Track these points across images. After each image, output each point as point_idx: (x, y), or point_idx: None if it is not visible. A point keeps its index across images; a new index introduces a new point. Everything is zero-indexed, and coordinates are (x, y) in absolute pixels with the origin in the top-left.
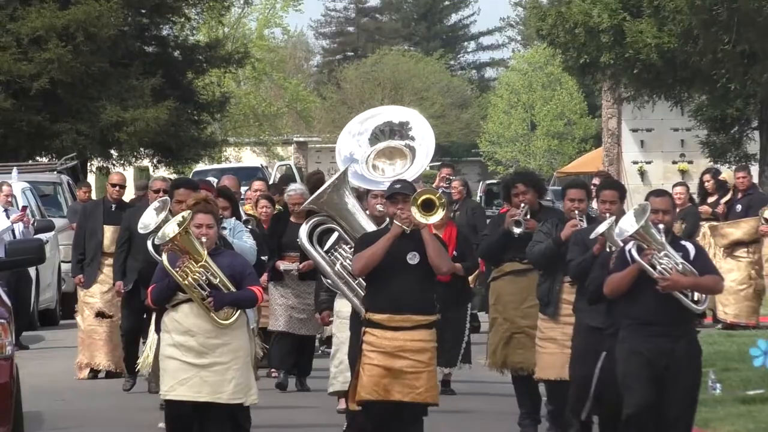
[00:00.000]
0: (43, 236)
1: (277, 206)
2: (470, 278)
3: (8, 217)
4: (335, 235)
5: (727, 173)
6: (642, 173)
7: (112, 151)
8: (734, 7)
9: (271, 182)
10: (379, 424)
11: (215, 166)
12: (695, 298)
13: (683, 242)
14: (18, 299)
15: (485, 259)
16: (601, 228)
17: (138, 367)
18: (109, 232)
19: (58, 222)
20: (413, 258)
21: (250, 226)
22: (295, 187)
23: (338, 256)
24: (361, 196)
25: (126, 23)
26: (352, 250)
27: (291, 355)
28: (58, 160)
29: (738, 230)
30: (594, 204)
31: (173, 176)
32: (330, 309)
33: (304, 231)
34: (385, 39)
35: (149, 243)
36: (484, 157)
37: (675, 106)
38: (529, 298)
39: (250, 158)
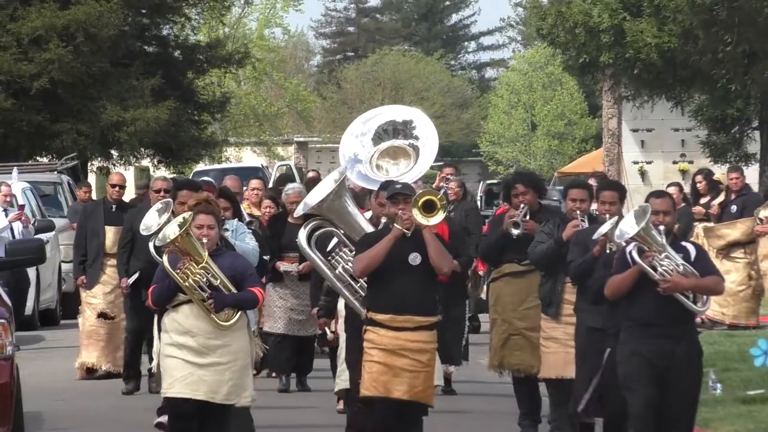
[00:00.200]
0: (43, 236)
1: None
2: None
3: (7, 217)
4: (336, 239)
5: (719, 174)
6: (642, 173)
7: (113, 151)
8: (735, 7)
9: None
10: (380, 424)
11: (215, 166)
12: (696, 299)
13: (684, 243)
14: (15, 299)
15: (484, 259)
16: (604, 228)
17: (151, 366)
18: (110, 233)
19: (59, 222)
20: (415, 259)
21: (253, 227)
22: (293, 186)
23: (339, 259)
24: (357, 195)
25: (126, 23)
26: (353, 253)
27: (291, 361)
28: (58, 160)
29: (735, 231)
30: (594, 205)
31: (174, 176)
32: (328, 316)
33: (303, 235)
34: (385, 39)
35: (151, 245)
36: (484, 157)
37: (675, 107)
38: (527, 300)
39: (251, 158)
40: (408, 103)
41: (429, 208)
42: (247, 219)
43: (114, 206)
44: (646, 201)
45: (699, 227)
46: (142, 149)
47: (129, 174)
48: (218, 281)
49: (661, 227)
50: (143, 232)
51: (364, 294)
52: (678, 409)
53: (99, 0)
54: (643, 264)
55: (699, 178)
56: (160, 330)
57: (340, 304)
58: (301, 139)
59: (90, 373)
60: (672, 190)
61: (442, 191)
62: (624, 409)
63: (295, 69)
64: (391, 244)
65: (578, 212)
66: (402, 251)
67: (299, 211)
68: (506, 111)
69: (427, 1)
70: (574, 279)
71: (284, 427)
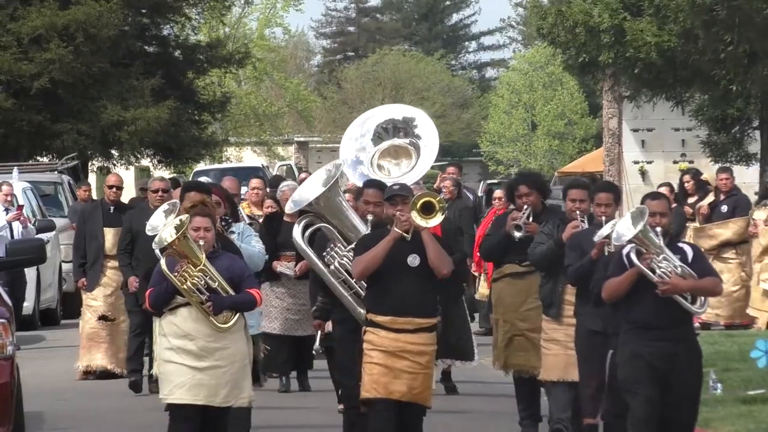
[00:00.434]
0: (44, 236)
1: None
2: None
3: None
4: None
5: (707, 174)
6: (643, 173)
7: (113, 151)
8: (735, 6)
9: None
10: (381, 425)
11: (216, 166)
12: (694, 300)
13: (680, 244)
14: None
15: (487, 260)
16: (605, 230)
17: (153, 370)
18: (109, 235)
19: (59, 222)
20: (414, 260)
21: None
22: (288, 183)
23: (334, 255)
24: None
25: (126, 23)
26: (348, 249)
27: (290, 362)
28: (58, 160)
29: (727, 230)
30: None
31: (173, 176)
32: (324, 318)
33: (298, 232)
34: (385, 39)
35: (156, 245)
36: (484, 157)
37: (676, 106)
38: (527, 301)
39: (251, 158)
40: (408, 103)
41: (428, 210)
42: (247, 220)
43: (112, 207)
44: (642, 202)
45: (690, 227)
46: (143, 149)
47: (129, 174)
48: (216, 283)
49: (658, 229)
50: (149, 233)
51: (359, 289)
52: (680, 411)
53: (99, 0)
54: (641, 266)
55: (687, 177)
56: None
57: None
58: (302, 139)
59: (90, 372)
60: (664, 190)
61: (442, 194)
62: (626, 411)
63: (296, 69)
64: (390, 245)
65: (578, 212)
66: (401, 253)
67: (290, 207)
68: (507, 111)
69: (428, 1)
70: (574, 283)
71: (284, 427)
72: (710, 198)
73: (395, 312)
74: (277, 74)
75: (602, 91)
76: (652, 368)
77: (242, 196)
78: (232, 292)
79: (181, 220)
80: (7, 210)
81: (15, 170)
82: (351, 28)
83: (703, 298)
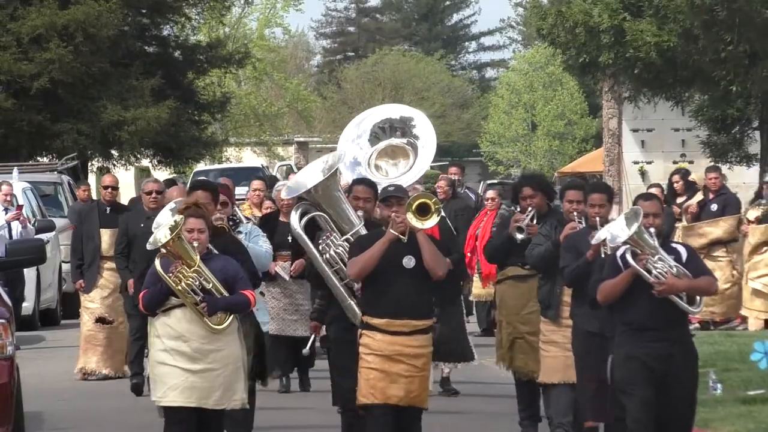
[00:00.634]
0: (44, 236)
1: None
2: None
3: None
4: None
5: (695, 175)
6: (643, 173)
7: (113, 151)
8: (734, 7)
9: None
10: (379, 430)
11: (216, 166)
12: (690, 300)
13: (674, 244)
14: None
15: (489, 262)
16: (602, 234)
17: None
18: (106, 236)
19: (59, 222)
20: (409, 262)
21: None
22: (283, 183)
23: (330, 243)
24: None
25: (126, 23)
26: (344, 239)
27: (289, 361)
28: (58, 160)
29: (718, 229)
30: None
31: (171, 176)
32: (320, 320)
33: (295, 218)
34: (385, 39)
35: (150, 246)
36: (484, 157)
37: (676, 106)
38: (529, 304)
39: (251, 158)
40: (408, 103)
41: (423, 211)
42: (245, 221)
43: (108, 208)
44: (634, 204)
45: (679, 227)
46: (143, 149)
47: (129, 174)
48: (210, 285)
49: (652, 229)
50: (155, 230)
51: (352, 281)
52: (677, 412)
53: (98, 0)
54: (638, 267)
55: (676, 177)
56: None
57: None
58: (302, 139)
59: (89, 373)
60: (655, 191)
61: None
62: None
63: (296, 69)
64: (385, 247)
65: (575, 213)
66: (396, 254)
67: (286, 193)
68: (506, 111)
69: (428, 1)
70: (570, 285)
71: (284, 427)
72: (699, 197)
73: (391, 314)
74: (277, 74)
75: (602, 91)
76: (647, 369)
77: (242, 197)
78: (226, 294)
79: (175, 221)
80: (6, 210)
81: (15, 170)
82: (351, 29)
83: (698, 297)
